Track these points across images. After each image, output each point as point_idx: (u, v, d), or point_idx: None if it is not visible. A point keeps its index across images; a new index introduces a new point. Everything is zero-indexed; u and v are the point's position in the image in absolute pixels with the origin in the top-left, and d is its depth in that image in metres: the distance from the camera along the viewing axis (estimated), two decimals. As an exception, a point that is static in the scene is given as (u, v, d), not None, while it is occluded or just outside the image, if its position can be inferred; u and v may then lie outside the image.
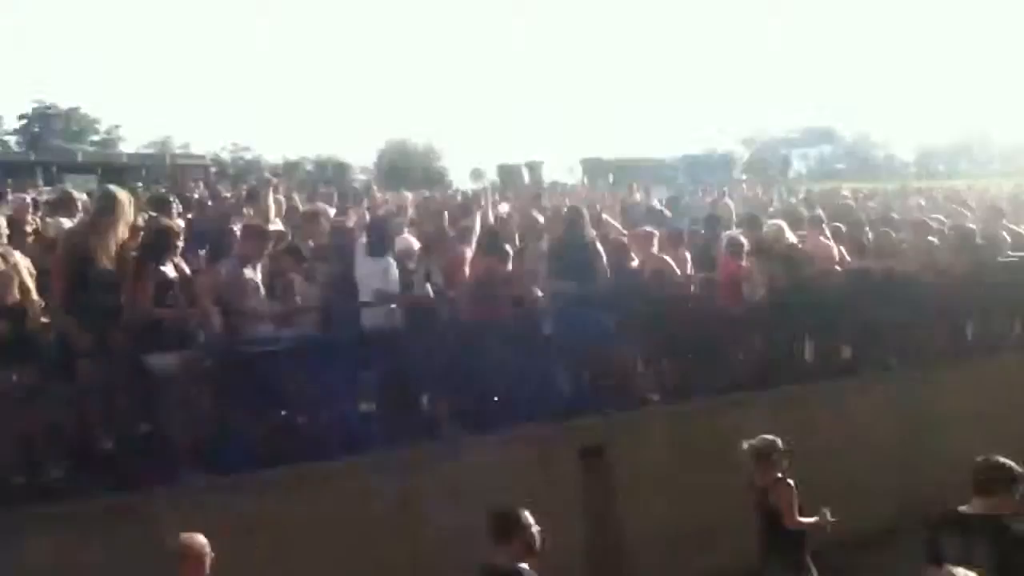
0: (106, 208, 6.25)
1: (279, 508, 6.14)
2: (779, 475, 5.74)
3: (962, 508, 4.72)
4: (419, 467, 6.74)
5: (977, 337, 10.37)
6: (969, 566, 4.06)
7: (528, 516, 4.38)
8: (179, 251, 6.51)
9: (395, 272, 7.37)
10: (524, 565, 4.25)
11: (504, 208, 13.91)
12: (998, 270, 10.21)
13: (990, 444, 6.82)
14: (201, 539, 4.47)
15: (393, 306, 7.34)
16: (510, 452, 7.14)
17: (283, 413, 6.75)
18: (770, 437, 5.81)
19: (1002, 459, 4.77)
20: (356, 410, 6.96)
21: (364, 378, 7.02)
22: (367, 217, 10.20)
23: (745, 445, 5.74)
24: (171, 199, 11.08)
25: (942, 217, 11.64)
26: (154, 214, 9.25)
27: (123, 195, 6.47)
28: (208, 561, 4.43)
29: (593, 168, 48.20)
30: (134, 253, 6.43)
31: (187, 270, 6.52)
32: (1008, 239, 10.75)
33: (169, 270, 6.22)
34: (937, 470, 7.67)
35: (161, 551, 4.51)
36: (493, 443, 7.11)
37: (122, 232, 6.32)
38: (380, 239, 7.56)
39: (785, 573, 5.81)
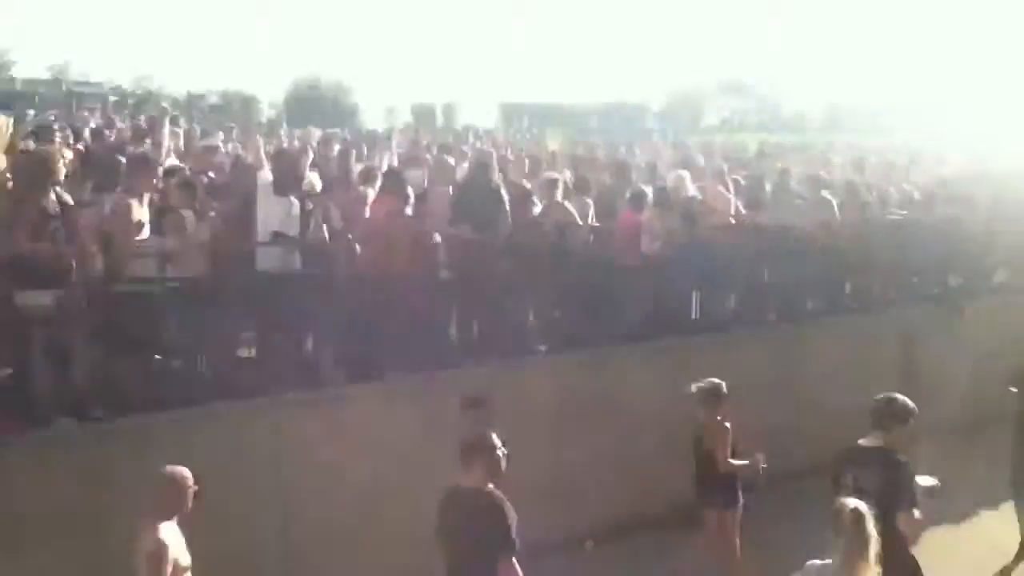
0: None
1: (149, 455, 5.94)
2: (719, 418, 6.11)
3: (861, 441, 5.19)
4: (295, 414, 6.63)
5: (855, 294, 10.83)
6: (862, 494, 4.45)
7: (495, 438, 4.58)
8: (61, 182, 6.17)
9: (298, 212, 7.16)
10: (490, 486, 4.44)
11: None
12: (886, 228, 10.65)
13: (857, 397, 7.23)
14: (185, 471, 4.54)
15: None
16: (392, 400, 7.12)
17: (158, 357, 6.52)
18: (716, 380, 6.25)
19: (899, 396, 5.20)
20: (234, 355, 6.79)
21: (249, 323, 6.84)
22: (267, 153, 9.91)
23: (693, 388, 6.17)
24: (54, 127, 10.62)
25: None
26: (34, 143, 8.88)
27: (1, 120, 6.08)
28: (191, 494, 4.51)
29: (510, 112, 47.97)
30: (10, 183, 6.11)
31: (70, 202, 6.17)
32: (896, 195, 11.22)
33: (49, 203, 5.87)
34: (806, 421, 8.00)
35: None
36: (375, 391, 7.07)
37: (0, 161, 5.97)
38: (285, 176, 7.31)
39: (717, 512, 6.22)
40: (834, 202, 10.21)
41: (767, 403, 9.02)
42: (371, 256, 7.43)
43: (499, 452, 4.54)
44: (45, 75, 49.41)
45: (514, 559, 4.48)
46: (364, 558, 6.83)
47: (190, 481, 4.53)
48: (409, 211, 7.69)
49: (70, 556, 5.60)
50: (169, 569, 4.31)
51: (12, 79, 42.22)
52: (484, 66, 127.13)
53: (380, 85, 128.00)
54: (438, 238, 7.65)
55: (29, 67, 55.12)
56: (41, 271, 5.75)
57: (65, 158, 6.49)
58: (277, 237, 7.01)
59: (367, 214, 7.73)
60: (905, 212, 11.17)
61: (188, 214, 6.96)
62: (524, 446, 7.60)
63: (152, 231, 6.65)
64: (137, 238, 6.33)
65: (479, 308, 8.12)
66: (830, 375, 7.87)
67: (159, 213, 6.92)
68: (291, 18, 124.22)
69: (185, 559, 4.46)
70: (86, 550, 5.65)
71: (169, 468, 4.56)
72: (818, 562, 4.22)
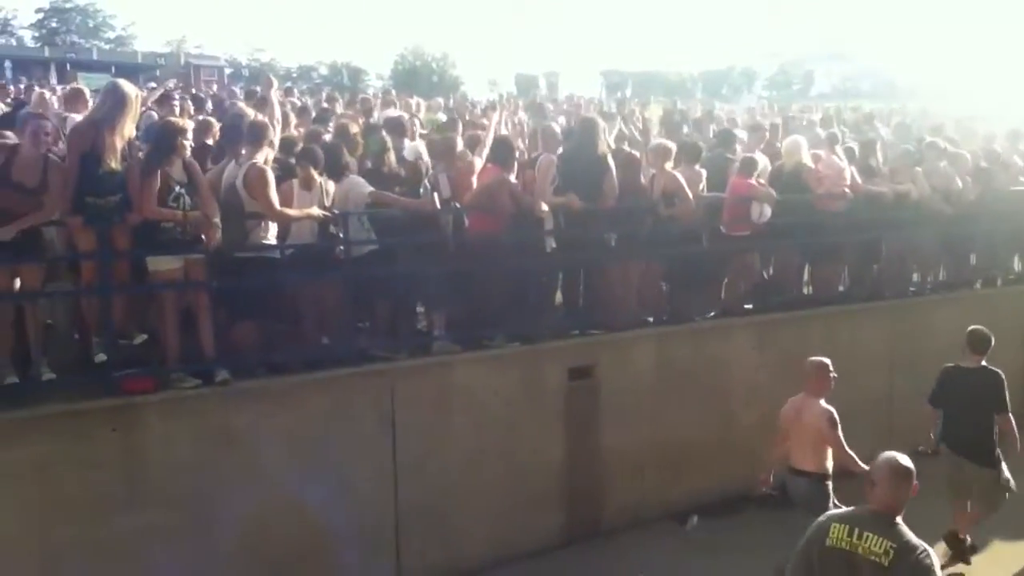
0: (114, 104, 5.97)
1: (262, 418, 6.21)
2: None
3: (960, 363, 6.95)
4: (407, 379, 6.78)
5: (979, 268, 10.35)
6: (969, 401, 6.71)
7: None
8: (188, 150, 6.40)
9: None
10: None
11: (521, 116, 13.74)
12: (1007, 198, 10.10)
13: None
14: (826, 360, 6.26)
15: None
16: (499, 368, 7.21)
17: (277, 323, 6.73)
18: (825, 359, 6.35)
19: (982, 328, 6.93)
20: (349, 322, 6.96)
21: (360, 290, 7.00)
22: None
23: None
24: (175, 97, 11.02)
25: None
26: (157, 113, 9.21)
27: (131, 90, 6.14)
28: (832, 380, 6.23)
29: (613, 81, 47.34)
30: (140, 152, 6.37)
31: (197, 170, 6.38)
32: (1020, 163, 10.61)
33: (176, 170, 6.11)
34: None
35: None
36: (483, 359, 7.16)
37: (129, 129, 6.17)
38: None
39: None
40: (954, 172, 9.77)
41: (884, 378, 8.77)
42: (479, 224, 7.51)
43: None
44: (164, 48, 51.30)
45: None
46: (470, 519, 7.01)
47: (831, 369, 6.19)
48: (514, 179, 7.71)
49: (190, 508, 5.92)
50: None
51: (134, 52, 44.03)
52: (586, 35, 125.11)
53: (483, 56, 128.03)
54: (545, 207, 7.63)
55: (148, 41, 57.35)
56: (170, 237, 6.01)
57: (188, 127, 6.67)
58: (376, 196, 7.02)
59: (474, 183, 7.77)
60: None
61: (317, 180, 6.98)
62: (628, 417, 7.69)
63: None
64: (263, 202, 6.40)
65: (584, 278, 8.09)
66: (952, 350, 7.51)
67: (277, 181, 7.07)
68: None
69: None
70: (208, 505, 5.97)
71: (816, 358, 6.26)
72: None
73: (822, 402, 6.21)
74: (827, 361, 6.34)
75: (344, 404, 6.53)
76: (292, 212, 6.51)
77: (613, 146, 8.46)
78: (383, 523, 6.67)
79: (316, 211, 6.62)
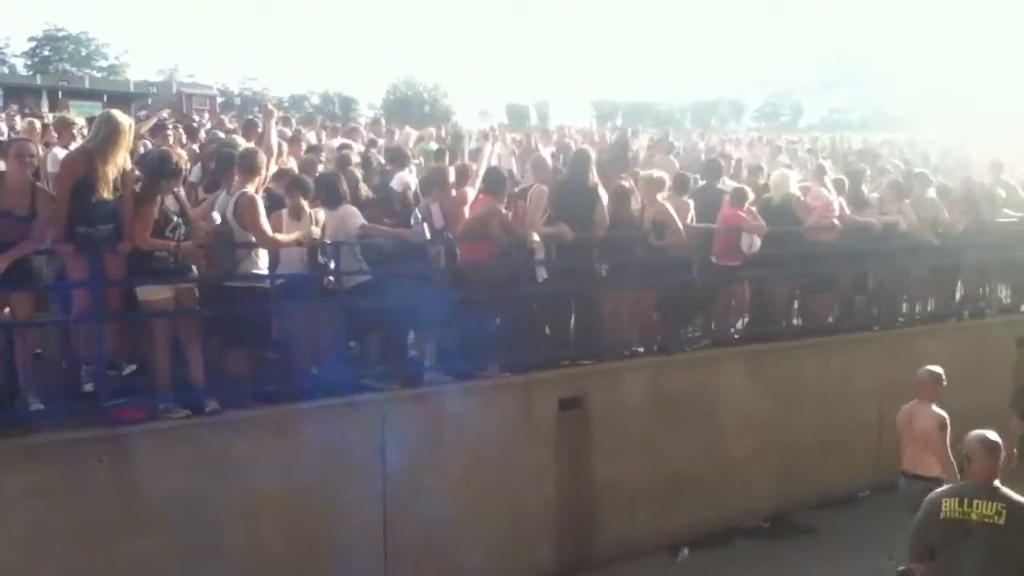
0: (108, 134, 5.96)
1: (253, 448, 6.18)
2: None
3: None
4: (398, 409, 6.76)
5: (965, 300, 10.42)
6: None
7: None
8: (182, 179, 6.42)
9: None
10: None
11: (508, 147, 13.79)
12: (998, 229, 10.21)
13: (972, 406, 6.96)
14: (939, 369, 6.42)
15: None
16: (490, 399, 7.20)
17: (266, 353, 6.73)
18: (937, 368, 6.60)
19: None
20: (340, 351, 6.95)
21: (349, 320, 7.00)
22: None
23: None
24: (168, 126, 11.06)
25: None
26: (151, 142, 9.25)
27: (124, 120, 6.12)
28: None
29: (603, 111, 47.71)
30: (137, 183, 6.37)
31: (185, 199, 6.39)
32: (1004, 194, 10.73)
33: (170, 201, 6.12)
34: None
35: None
36: (474, 389, 7.15)
37: (122, 159, 6.18)
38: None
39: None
40: (942, 202, 9.88)
41: (875, 408, 8.79)
42: (470, 255, 7.53)
43: None
44: (156, 77, 51.53)
45: None
46: (463, 550, 6.94)
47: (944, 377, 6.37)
48: (505, 210, 7.75)
49: (185, 539, 5.86)
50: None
51: (126, 80, 44.21)
52: (577, 65, 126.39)
53: (474, 86, 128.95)
54: (536, 237, 7.66)
55: (141, 70, 57.63)
56: (162, 267, 6.01)
57: (182, 157, 6.69)
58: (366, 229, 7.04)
59: (467, 213, 7.80)
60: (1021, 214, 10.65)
61: (307, 210, 7.02)
62: (619, 447, 7.67)
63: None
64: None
65: (576, 308, 8.11)
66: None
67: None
68: (388, 22, 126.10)
69: None
70: (200, 532, 5.91)
71: (929, 367, 6.41)
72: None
73: (934, 407, 6.42)
74: (940, 370, 6.55)
75: (335, 434, 6.48)
76: (282, 238, 6.52)
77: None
78: (373, 554, 6.61)
79: (302, 235, 6.61)
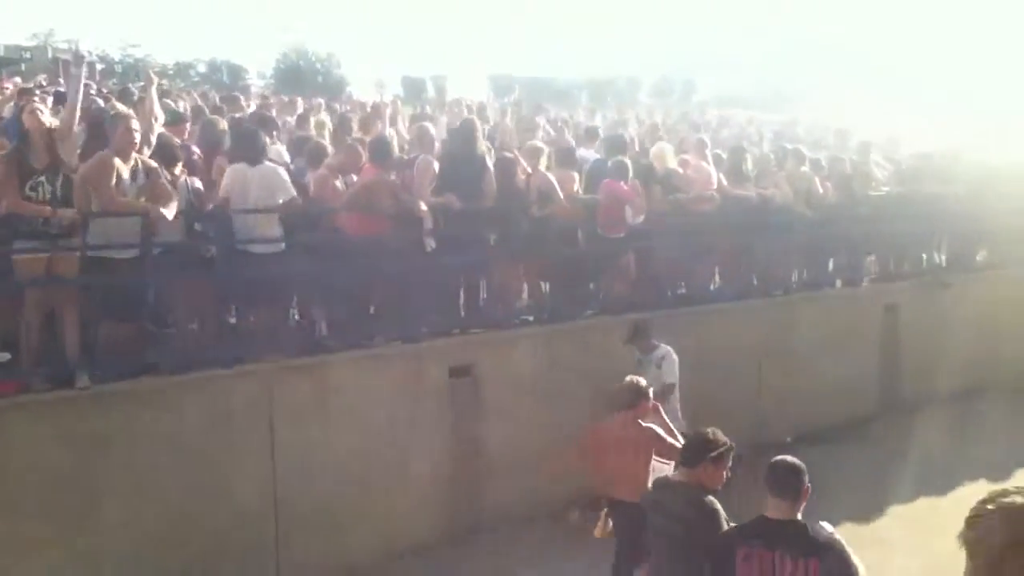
0: None
1: (133, 421, 6.07)
2: None
3: None
4: (286, 379, 6.72)
5: (837, 270, 10.95)
6: None
7: None
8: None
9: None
10: None
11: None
12: (869, 203, 10.76)
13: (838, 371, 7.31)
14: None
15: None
16: (379, 368, 7.22)
17: (147, 324, 6.57)
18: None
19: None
20: (223, 320, 6.83)
21: (237, 288, 6.89)
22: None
23: None
24: (35, 91, 10.57)
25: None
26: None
27: None
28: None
29: (500, 85, 47.62)
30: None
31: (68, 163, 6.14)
32: (877, 172, 11.33)
33: (38, 160, 5.87)
34: (785, 396, 8.13)
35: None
36: (363, 359, 7.16)
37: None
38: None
39: None
40: (816, 177, 10.33)
41: (751, 375, 9.17)
42: (358, 225, 7.48)
43: None
44: (30, 41, 48.64)
45: None
46: (351, 523, 6.97)
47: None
48: (392, 177, 7.73)
49: (62, 516, 5.70)
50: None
51: (-3, 45, 41.67)
52: (474, 39, 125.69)
53: (370, 58, 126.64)
54: (424, 207, 7.67)
55: (13, 33, 54.26)
56: (33, 229, 5.80)
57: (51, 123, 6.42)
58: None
59: (338, 186, 7.71)
60: (888, 188, 11.26)
61: (168, 180, 6.84)
62: (509, 415, 7.79)
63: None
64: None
65: (465, 277, 8.18)
66: (816, 347, 7.98)
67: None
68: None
69: None
70: (77, 510, 5.76)
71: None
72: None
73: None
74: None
75: (220, 406, 6.40)
76: (129, 202, 6.23)
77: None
78: (263, 527, 6.58)
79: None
